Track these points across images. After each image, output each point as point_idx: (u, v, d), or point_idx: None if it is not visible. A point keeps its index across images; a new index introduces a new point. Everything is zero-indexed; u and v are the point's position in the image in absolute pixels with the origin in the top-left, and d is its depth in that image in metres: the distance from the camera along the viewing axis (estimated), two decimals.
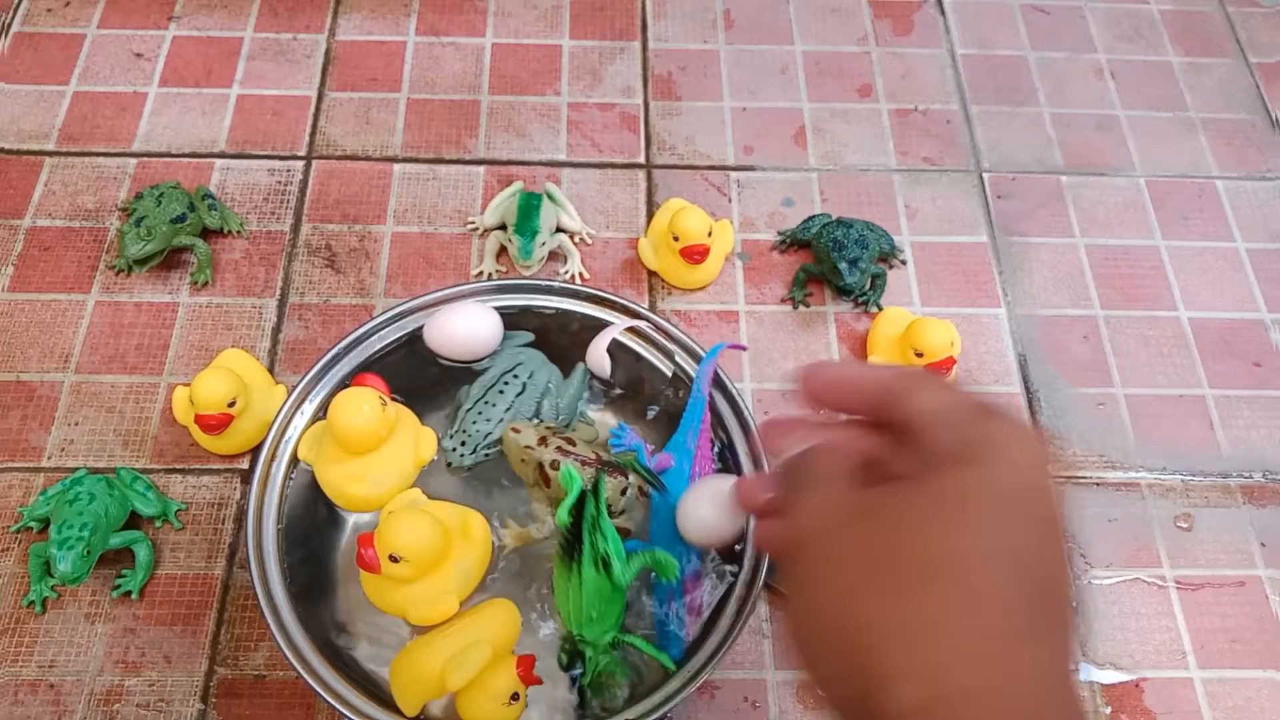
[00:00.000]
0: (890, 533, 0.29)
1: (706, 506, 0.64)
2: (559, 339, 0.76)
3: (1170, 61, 1.06)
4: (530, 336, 0.76)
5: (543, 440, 0.68)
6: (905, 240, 0.92)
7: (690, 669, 0.63)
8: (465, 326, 0.72)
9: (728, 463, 0.71)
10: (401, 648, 0.65)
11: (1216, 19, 1.10)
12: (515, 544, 0.71)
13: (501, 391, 0.72)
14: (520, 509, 0.73)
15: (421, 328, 0.73)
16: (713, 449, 0.72)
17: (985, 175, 0.97)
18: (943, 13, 1.08)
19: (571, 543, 0.62)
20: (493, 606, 0.65)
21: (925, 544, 0.28)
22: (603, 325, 0.74)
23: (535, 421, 0.72)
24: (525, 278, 0.84)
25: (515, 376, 0.73)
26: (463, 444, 0.71)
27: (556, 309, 0.75)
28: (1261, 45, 1.08)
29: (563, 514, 0.64)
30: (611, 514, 0.67)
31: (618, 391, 0.77)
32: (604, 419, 0.77)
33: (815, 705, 0.29)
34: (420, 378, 0.74)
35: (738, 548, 0.66)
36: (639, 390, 0.76)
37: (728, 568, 0.68)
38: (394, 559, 0.61)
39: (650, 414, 0.76)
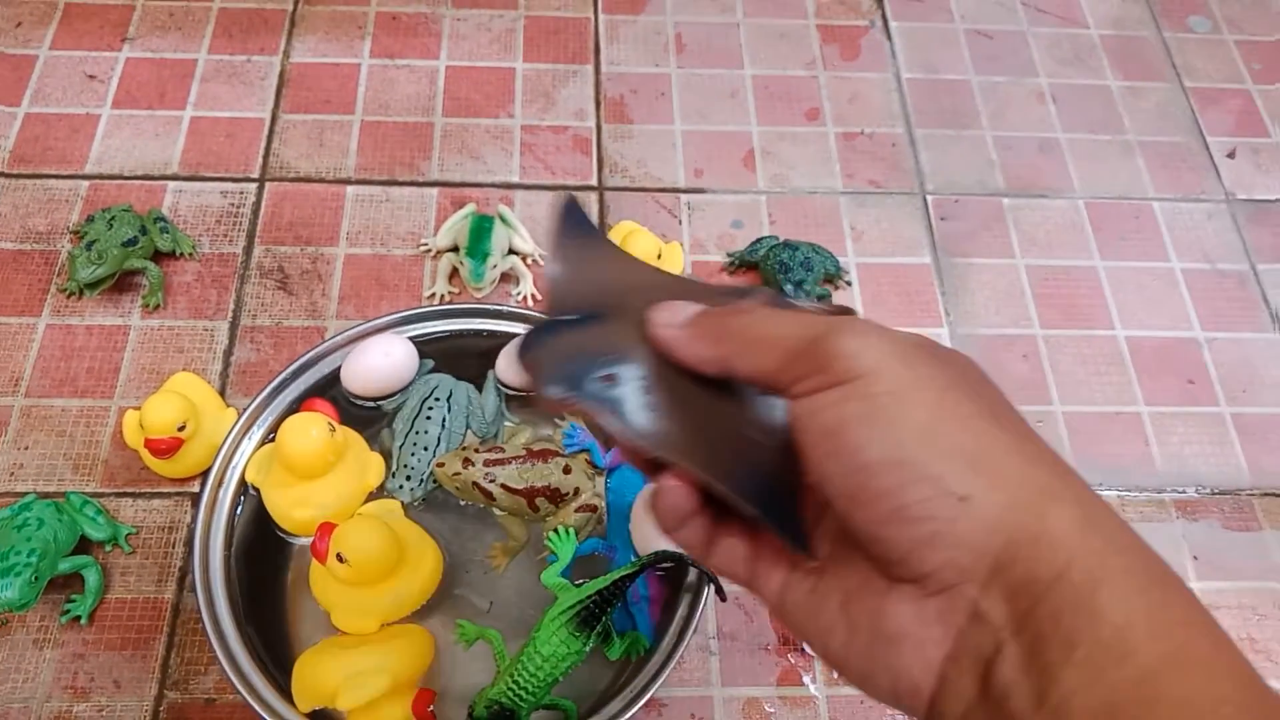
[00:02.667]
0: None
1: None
2: (468, 358, 0.79)
3: (1109, 86, 1.09)
4: (432, 363, 0.78)
5: (466, 462, 0.70)
6: (850, 261, 0.94)
7: (635, 687, 0.65)
8: (382, 360, 0.74)
9: None
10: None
11: (1153, 44, 1.13)
12: (505, 559, 0.73)
13: (428, 418, 0.74)
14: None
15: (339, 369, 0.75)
16: None
17: (929, 197, 0.99)
18: (889, 37, 1.11)
19: (595, 614, 0.64)
20: (409, 634, 0.66)
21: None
22: (511, 336, 0.77)
23: (460, 448, 0.73)
24: (474, 300, 0.85)
25: (437, 400, 0.75)
26: (407, 479, 0.72)
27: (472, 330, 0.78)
28: (1196, 70, 1.11)
29: (551, 575, 0.66)
30: (563, 498, 0.70)
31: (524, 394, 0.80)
32: (532, 420, 0.79)
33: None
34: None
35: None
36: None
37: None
38: (340, 559, 0.62)
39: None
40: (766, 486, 0.30)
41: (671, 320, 0.32)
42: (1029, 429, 0.28)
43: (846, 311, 0.33)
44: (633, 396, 0.31)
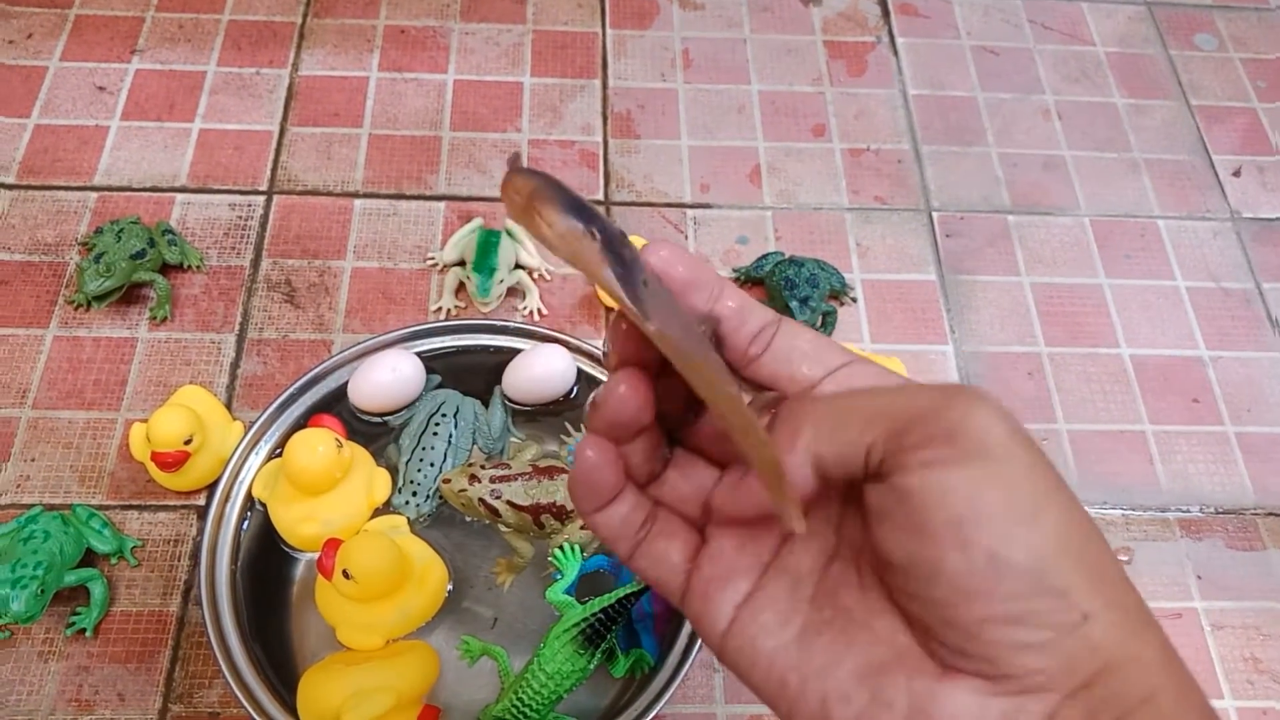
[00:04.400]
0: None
1: None
2: (475, 374, 0.79)
3: (1115, 103, 1.09)
4: (439, 378, 0.78)
5: (473, 479, 0.70)
6: (856, 278, 0.94)
7: (639, 705, 0.65)
8: (389, 376, 0.74)
9: None
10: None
11: (1160, 62, 1.13)
12: (510, 576, 0.73)
13: (435, 434, 0.74)
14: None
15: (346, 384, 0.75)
16: None
17: (934, 214, 0.99)
18: (895, 53, 1.11)
19: (600, 631, 0.64)
20: (414, 651, 0.66)
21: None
22: (517, 352, 0.77)
23: (466, 464, 0.73)
24: (481, 316, 0.86)
25: (444, 416, 0.75)
26: (414, 494, 0.72)
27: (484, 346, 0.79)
28: (1202, 88, 1.11)
29: (556, 592, 0.66)
30: (569, 515, 0.70)
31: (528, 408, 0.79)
32: (538, 437, 0.80)
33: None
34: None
35: None
36: (575, 404, 0.79)
37: None
38: (346, 575, 0.62)
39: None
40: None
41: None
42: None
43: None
44: (637, 276, 0.26)
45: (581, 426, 0.77)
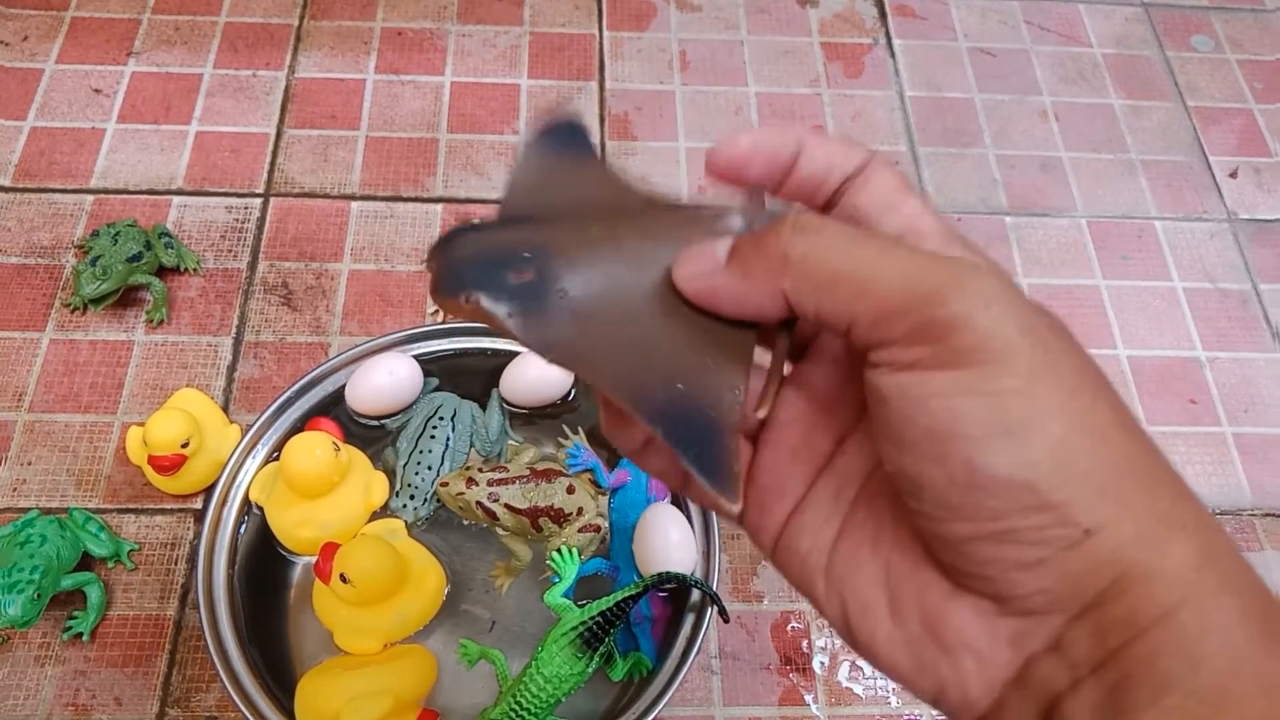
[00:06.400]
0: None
1: (659, 538, 0.67)
2: (472, 377, 0.79)
3: (1112, 105, 1.10)
4: (436, 381, 0.78)
5: (470, 482, 0.70)
6: None
7: (638, 709, 0.64)
8: (387, 379, 0.74)
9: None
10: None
11: (1156, 63, 1.13)
12: (508, 579, 0.72)
13: (432, 437, 0.74)
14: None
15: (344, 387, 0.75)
16: None
17: None
18: (893, 55, 1.11)
19: (598, 634, 0.64)
20: (412, 655, 0.66)
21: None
22: (515, 355, 0.77)
23: (464, 467, 0.73)
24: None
25: (441, 419, 0.75)
26: (411, 498, 0.72)
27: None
28: (1199, 89, 1.11)
29: (554, 595, 0.66)
30: (567, 518, 0.70)
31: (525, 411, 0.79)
32: (536, 440, 0.79)
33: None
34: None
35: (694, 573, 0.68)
36: (573, 407, 0.79)
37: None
38: (344, 579, 0.62)
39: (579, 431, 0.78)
40: (699, 417, 0.25)
41: (702, 269, 0.26)
42: (1139, 426, 0.23)
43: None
44: (545, 298, 0.25)
45: (579, 429, 0.76)
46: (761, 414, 0.27)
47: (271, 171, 0.97)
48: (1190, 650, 0.21)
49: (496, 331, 0.26)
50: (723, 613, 0.68)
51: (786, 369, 0.28)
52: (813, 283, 0.23)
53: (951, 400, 0.22)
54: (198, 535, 0.71)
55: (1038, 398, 0.21)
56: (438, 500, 0.72)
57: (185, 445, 0.73)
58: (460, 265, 0.26)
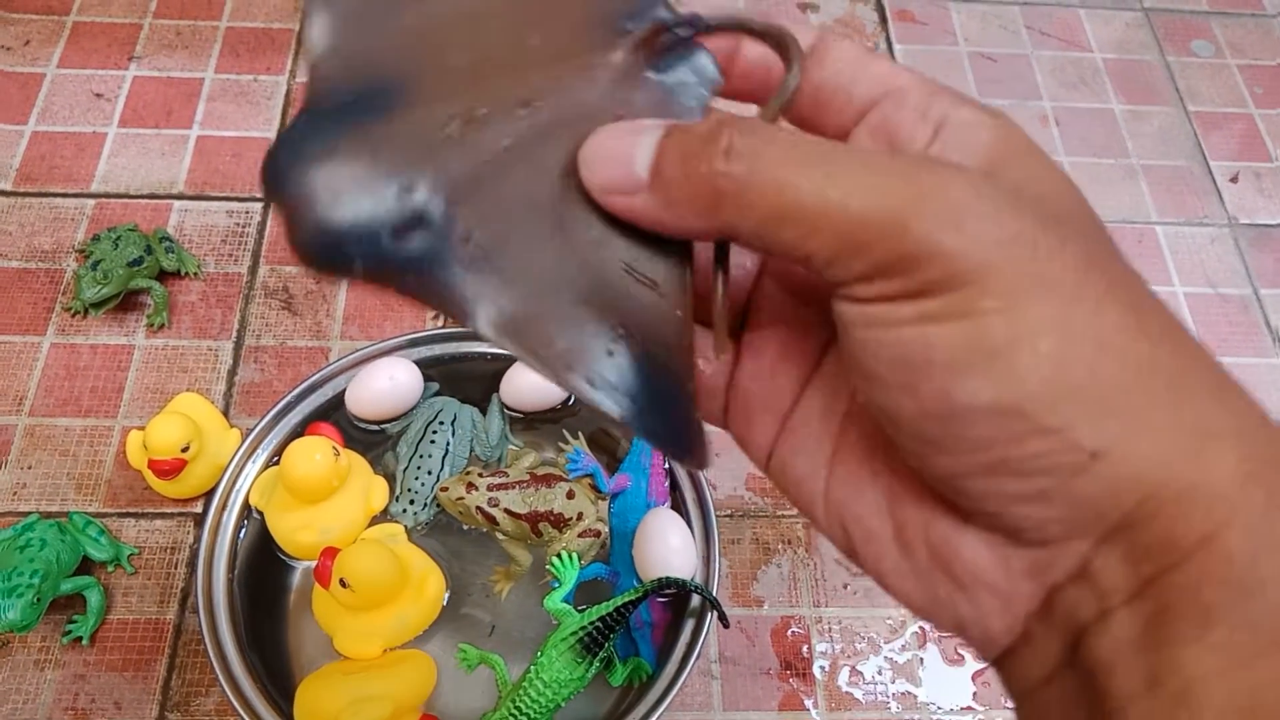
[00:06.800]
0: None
1: (658, 543, 0.67)
2: (472, 381, 0.79)
3: (1112, 109, 1.10)
4: (436, 386, 0.78)
5: (470, 486, 0.70)
6: None
7: (637, 714, 0.64)
8: (387, 384, 0.74)
9: (674, 477, 0.74)
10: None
11: (1157, 68, 1.13)
12: (508, 584, 0.72)
13: (432, 441, 0.74)
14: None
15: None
16: (664, 464, 0.74)
17: None
18: (893, 60, 1.11)
19: (597, 639, 0.64)
20: (412, 660, 0.66)
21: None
22: (515, 360, 0.77)
23: (464, 472, 0.73)
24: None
25: (441, 424, 0.75)
26: (411, 503, 0.72)
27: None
28: (1199, 94, 1.11)
29: (554, 600, 0.66)
30: (567, 523, 0.70)
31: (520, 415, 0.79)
32: (536, 444, 0.79)
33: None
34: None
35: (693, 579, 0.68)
36: (574, 412, 0.79)
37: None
38: (343, 583, 0.62)
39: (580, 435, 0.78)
40: (652, 373, 0.21)
41: (616, 180, 0.22)
42: (1174, 321, 0.20)
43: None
44: (445, 246, 0.20)
45: (579, 434, 0.76)
46: (723, 358, 0.24)
47: None
48: (1239, 577, 0.18)
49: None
50: (722, 618, 0.68)
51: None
52: (752, 220, 0.20)
53: (922, 328, 0.19)
54: (198, 539, 0.71)
55: (1023, 314, 0.19)
56: (437, 505, 0.72)
57: (185, 449, 0.73)
58: (332, 225, 0.20)
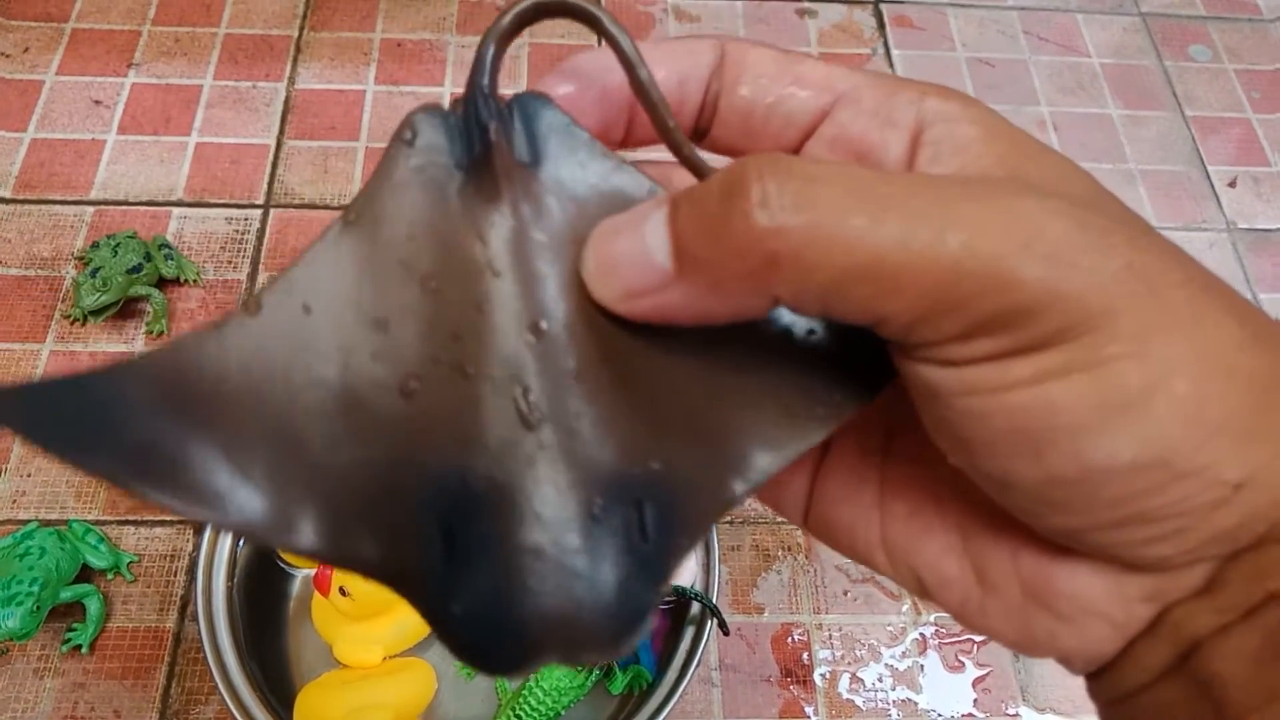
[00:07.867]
0: None
1: None
2: None
3: (1110, 114, 1.10)
4: None
5: None
6: None
7: None
8: None
9: None
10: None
11: (1154, 73, 1.14)
12: None
13: None
14: None
15: None
16: None
17: None
18: (891, 65, 1.11)
19: None
20: (412, 668, 0.66)
21: None
22: None
23: None
24: None
25: None
26: None
27: None
28: (1197, 99, 1.12)
29: None
30: None
31: None
32: None
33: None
34: None
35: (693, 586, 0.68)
36: None
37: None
38: (343, 591, 0.62)
39: None
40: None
41: (642, 274, 0.18)
42: (1263, 313, 0.18)
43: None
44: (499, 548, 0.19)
45: None
46: None
47: (271, 182, 0.97)
48: None
49: None
50: (722, 625, 0.68)
51: None
52: (818, 285, 0.16)
53: (1043, 388, 0.16)
54: (197, 547, 0.71)
55: (1155, 353, 0.16)
56: None
57: None
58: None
